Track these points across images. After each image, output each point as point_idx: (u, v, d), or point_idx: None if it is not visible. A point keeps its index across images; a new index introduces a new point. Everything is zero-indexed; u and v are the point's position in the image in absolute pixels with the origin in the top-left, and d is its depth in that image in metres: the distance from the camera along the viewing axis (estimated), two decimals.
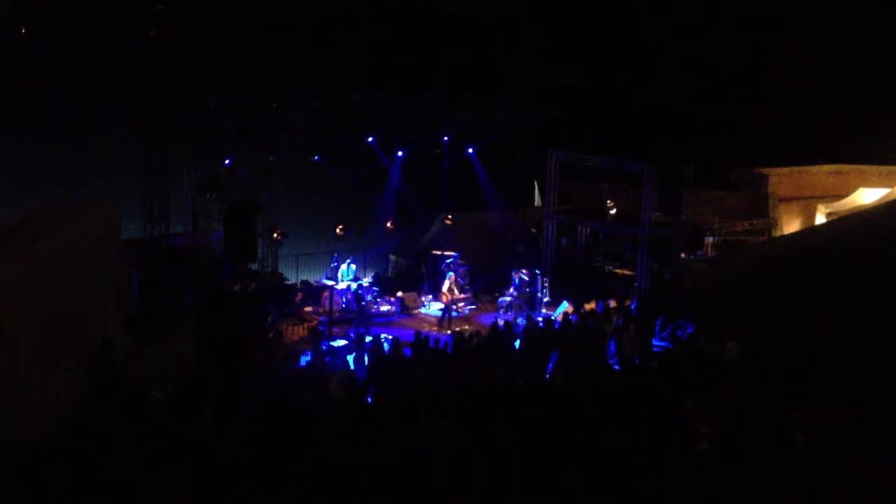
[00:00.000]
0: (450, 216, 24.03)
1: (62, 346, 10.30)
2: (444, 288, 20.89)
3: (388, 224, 23.98)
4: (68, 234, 11.11)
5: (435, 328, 20.29)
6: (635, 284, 21.17)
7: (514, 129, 24.86)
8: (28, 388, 9.25)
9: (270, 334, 17.76)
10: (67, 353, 10.49)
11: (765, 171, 26.71)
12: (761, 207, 26.13)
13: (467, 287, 22.22)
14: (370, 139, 24.09)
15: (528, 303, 21.22)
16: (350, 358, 16.27)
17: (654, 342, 15.34)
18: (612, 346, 14.80)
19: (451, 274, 21.21)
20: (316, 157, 23.13)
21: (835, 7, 26.67)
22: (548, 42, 27.70)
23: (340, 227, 21.54)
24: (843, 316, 13.44)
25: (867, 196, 24.93)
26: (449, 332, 19.44)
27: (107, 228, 12.78)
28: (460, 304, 21.19)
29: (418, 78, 24.59)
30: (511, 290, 21.25)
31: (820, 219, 25.36)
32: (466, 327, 19.58)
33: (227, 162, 19.68)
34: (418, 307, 22.30)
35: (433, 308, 22.25)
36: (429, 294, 22.90)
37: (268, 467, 8.47)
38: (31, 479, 7.70)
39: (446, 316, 20.52)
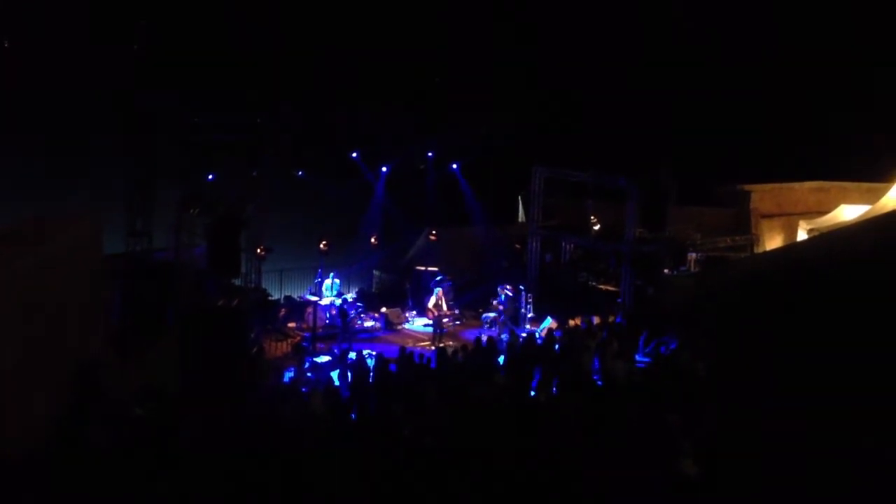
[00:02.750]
0: (434, 232, 24.04)
1: (43, 362, 10.21)
2: (431, 304, 20.86)
3: (373, 239, 23.97)
4: (50, 248, 11.04)
5: (421, 344, 20.26)
6: (619, 300, 21.24)
7: (499, 145, 24.97)
8: (8, 404, 9.16)
9: (253, 350, 17.67)
10: (49, 368, 10.40)
11: (747, 187, 26.89)
12: (743, 224, 26.29)
13: (452, 302, 22.21)
14: (354, 154, 24.11)
15: (513, 318, 21.23)
16: (334, 374, 16.22)
17: (638, 357, 15.37)
18: (596, 362, 14.82)
19: (439, 289, 21.19)
20: (300, 173, 23.11)
21: (818, 20, 26.99)
22: (535, 55, 27.91)
23: (324, 242, 21.49)
24: (825, 331, 13.51)
25: (848, 213, 25.10)
26: (434, 348, 19.42)
27: (89, 243, 12.71)
28: (446, 320, 21.17)
29: (404, 92, 24.66)
30: (496, 305, 21.25)
31: (802, 235, 25.50)
32: (451, 343, 19.57)
33: (210, 177, 19.64)
34: (402, 323, 22.26)
35: (417, 324, 22.23)
36: (413, 310, 22.88)
37: (251, 484, 8.41)
38: (12, 495, 7.62)
39: (437, 332, 20.49)
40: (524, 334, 19.67)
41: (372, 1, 25.77)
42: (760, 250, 25.12)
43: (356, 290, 24.33)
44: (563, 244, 24.08)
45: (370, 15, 25.56)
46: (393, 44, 25.61)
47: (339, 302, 21.19)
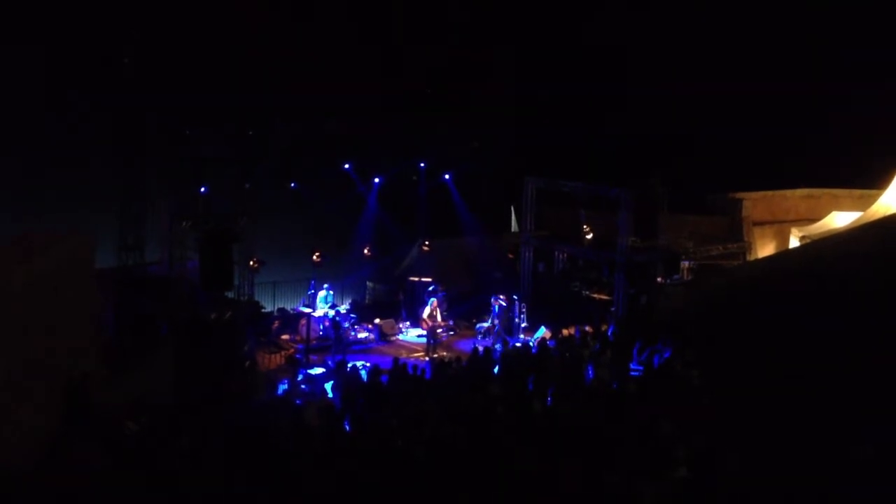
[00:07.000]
0: (427, 242, 24.03)
1: (36, 378, 10.17)
2: (425, 314, 20.83)
3: (366, 251, 23.92)
4: (41, 263, 11.02)
5: (414, 354, 20.24)
6: (612, 309, 21.24)
7: (491, 155, 25.02)
8: (1, 419, 9.13)
9: (247, 363, 17.62)
10: (41, 384, 10.37)
11: (738, 195, 26.96)
12: (736, 232, 26.34)
13: (445, 313, 22.18)
14: (346, 166, 24.11)
15: (506, 328, 21.22)
16: (328, 386, 16.19)
17: (632, 366, 15.35)
18: (590, 371, 14.81)
19: (433, 300, 21.17)
20: (293, 185, 23.09)
21: (806, 25, 27.18)
22: (526, 65, 28.00)
23: (317, 253, 21.46)
24: (818, 337, 13.54)
25: (840, 220, 25.20)
26: (427, 358, 19.41)
27: (80, 258, 12.69)
28: (439, 331, 21.15)
29: (395, 103, 24.71)
30: (491, 316, 21.24)
31: (794, 242, 25.58)
32: (445, 354, 19.56)
33: (203, 190, 19.61)
34: (396, 334, 22.22)
35: (411, 335, 22.20)
36: (406, 321, 22.85)
37: (244, 497, 8.38)
38: None
39: (431, 342, 20.47)
40: (518, 344, 19.68)
41: (365, 9, 25.87)
42: (753, 258, 25.17)
43: (349, 301, 24.29)
44: (556, 254, 24.09)
45: (363, 22, 25.67)
46: (384, 52, 25.71)
47: (332, 313, 21.16)
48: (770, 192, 27.50)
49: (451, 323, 22.41)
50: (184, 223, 18.02)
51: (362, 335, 21.63)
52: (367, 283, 25.53)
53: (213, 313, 17.42)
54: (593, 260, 23.26)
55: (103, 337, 14.56)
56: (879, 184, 24.38)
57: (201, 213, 18.51)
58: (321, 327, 21.07)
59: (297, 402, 14.43)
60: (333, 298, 22.09)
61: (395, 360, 16.02)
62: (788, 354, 13.29)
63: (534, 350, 17.28)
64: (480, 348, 17.04)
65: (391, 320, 22.48)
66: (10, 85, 20.71)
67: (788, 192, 27.80)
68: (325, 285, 21.85)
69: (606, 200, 21.56)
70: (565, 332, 19.66)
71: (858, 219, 23.77)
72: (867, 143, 23.75)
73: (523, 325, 21.89)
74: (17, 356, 9.63)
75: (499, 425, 10.75)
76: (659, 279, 22.14)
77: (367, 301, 24.93)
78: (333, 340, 20.27)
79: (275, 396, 15.74)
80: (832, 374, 12.00)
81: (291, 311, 22.27)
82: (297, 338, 20.76)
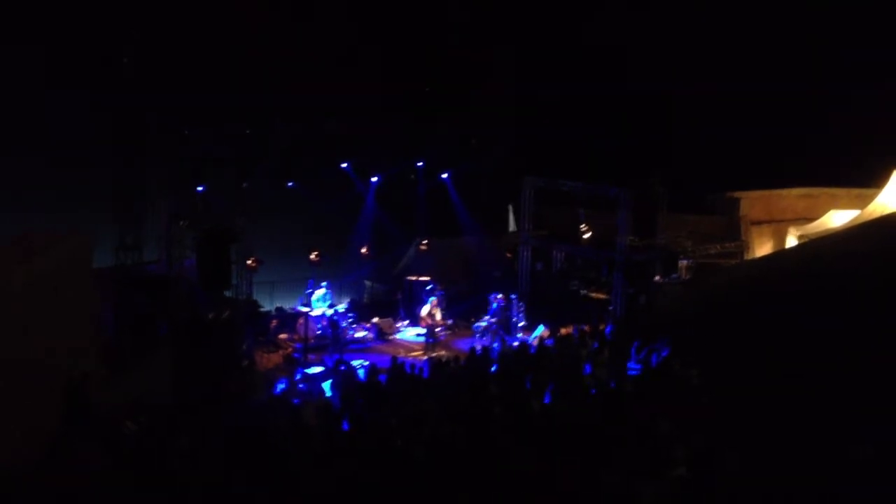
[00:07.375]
0: (425, 242, 24.02)
1: (34, 378, 10.18)
2: (424, 313, 20.84)
3: (364, 250, 23.92)
4: (41, 265, 11.03)
5: (413, 353, 20.24)
6: (610, 308, 21.26)
7: (490, 155, 25.03)
8: (1, 419, 9.13)
9: (245, 362, 17.63)
10: (40, 384, 10.37)
11: (736, 194, 26.99)
12: (734, 231, 26.38)
13: (444, 312, 22.18)
14: (344, 165, 24.12)
15: (504, 327, 21.24)
16: (326, 385, 16.20)
17: (630, 365, 15.37)
18: (588, 370, 14.82)
19: (433, 298, 21.18)
20: (290, 184, 23.11)
21: (805, 26, 27.22)
22: (526, 65, 28.03)
23: (315, 252, 21.46)
24: (816, 336, 13.56)
25: (837, 218, 25.22)
26: (426, 357, 19.42)
27: (80, 259, 12.70)
28: (438, 330, 21.15)
29: (395, 103, 24.74)
30: (489, 315, 21.25)
31: (791, 241, 25.61)
32: (443, 353, 19.57)
33: (200, 189, 19.61)
34: (394, 333, 22.24)
35: (409, 333, 22.21)
36: (405, 320, 22.86)
37: (244, 497, 8.39)
38: None
39: (430, 341, 20.48)
40: (515, 343, 19.69)
41: (365, 9, 25.89)
42: (750, 257, 25.20)
43: (348, 300, 24.29)
44: (555, 253, 24.10)
45: (363, 22, 25.68)
46: (384, 52, 25.72)
47: (330, 312, 21.16)
48: (768, 192, 27.53)
49: (449, 322, 22.42)
50: (182, 223, 18.01)
51: (360, 334, 21.64)
52: (366, 282, 25.54)
53: (211, 313, 17.42)
54: (592, 259, 23.29)
55: (103, 337, 14.57)
56: (877, 182, 24.41)
57: (200, 212, 18.50)
58: (319, 326, 21.07)
59: (295, 401, 14.42)
60: (331, 297, 22.08)
61: (394, 359, 16.03)
62: (787, 354, 13.31)
63: (532, 349, 17.30)
64: (479, 347, 17.04)
65: (389, 319, 22.50)
66: (11, 85, 20.72)
67: (786, 192, 27.83)
68: (323, 284, 21.84)
69: (605, 200, 21.59)
70: (563, 331, 19.68)
71: (856, 218, 23.79)
72: (867, 143, 23.76)
73: (521, 324, 21.91)
74: (17, 356, 9.64)
75: (497, 424, 10.77)
76: (657, 278, 22.18)
77: (365, 300, 24.94)
78: (331, 339, 20.28)
79: (273, 396, 15.74)
80: (831, 373, 12.01)
81: (289, 311, 22.27)
82: (296, 337, 20.79)
